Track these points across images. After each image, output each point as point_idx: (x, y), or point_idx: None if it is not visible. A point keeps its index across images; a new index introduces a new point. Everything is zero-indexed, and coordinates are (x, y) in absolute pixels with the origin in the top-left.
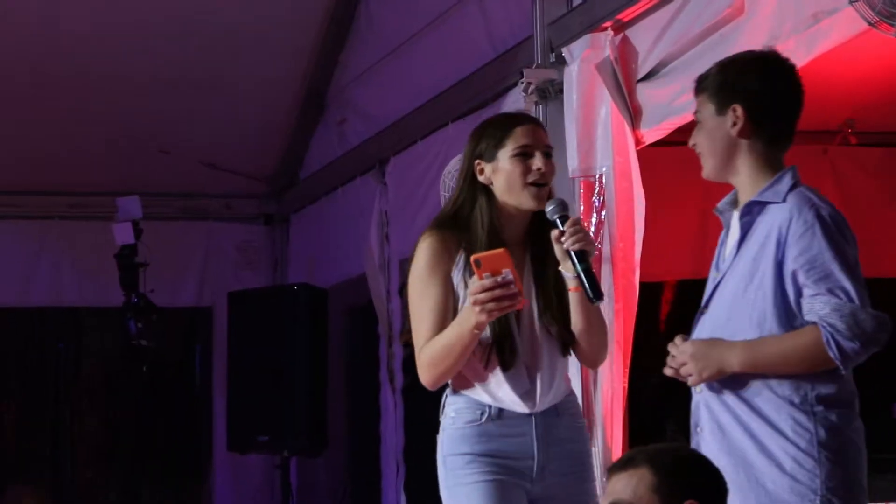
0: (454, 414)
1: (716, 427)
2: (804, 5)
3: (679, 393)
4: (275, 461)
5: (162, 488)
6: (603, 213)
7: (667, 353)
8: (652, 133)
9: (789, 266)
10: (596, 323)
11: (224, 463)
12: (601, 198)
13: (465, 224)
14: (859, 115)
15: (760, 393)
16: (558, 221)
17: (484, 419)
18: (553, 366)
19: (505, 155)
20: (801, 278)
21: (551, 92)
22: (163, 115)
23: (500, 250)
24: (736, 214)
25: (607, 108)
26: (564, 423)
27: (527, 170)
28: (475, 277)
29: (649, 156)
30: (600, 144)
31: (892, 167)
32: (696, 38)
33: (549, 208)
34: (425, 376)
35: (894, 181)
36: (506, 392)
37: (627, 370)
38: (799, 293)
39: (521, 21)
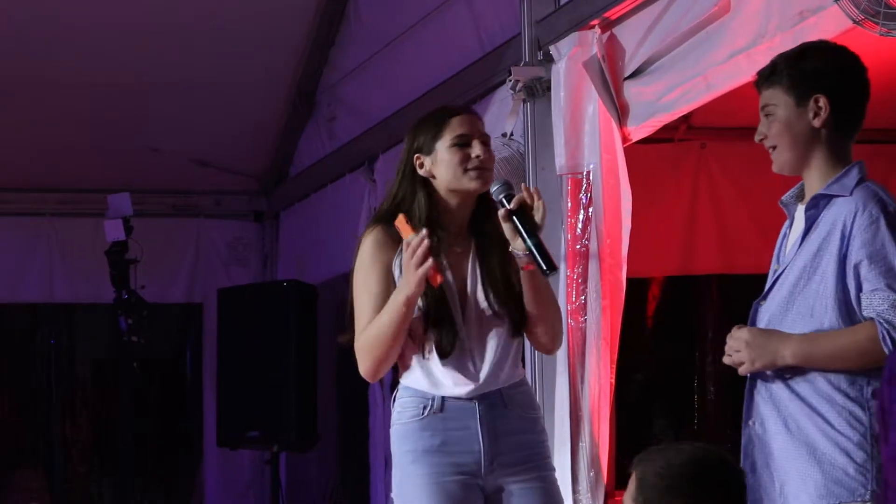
0: (399, 409)
1: (771, 421)
2: (790, 3)
3: (666, 389)
4: (264, 456)
5: (153, 483)
6: (590, 209)
7: (654, 350)
8: (639, 130)
9: (852, 259)
10: (549, 302)
11: (214, 458)
12: (588, 195)
13: None
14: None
15: (815, 385)
16: (504, 201)
17: (427, 413)
18: (500, 351)
19: (443, 145)
20: (864, 272)
21: (539, 90)
22: (153, 113)
23: (399, 216)
24: (801, 207)
25: (594, 106)
26: (514, 414)
27: (465, 157)
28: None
29: (636, 153)
30: (587, 142)
31: (876, 164)
32: (682, 36)
33: (493, 188)
34: (363, 365)
35: (877, 176)
36: (446, 375)
37: (615, 366)
38: (860, 287)
39: (509, 19)
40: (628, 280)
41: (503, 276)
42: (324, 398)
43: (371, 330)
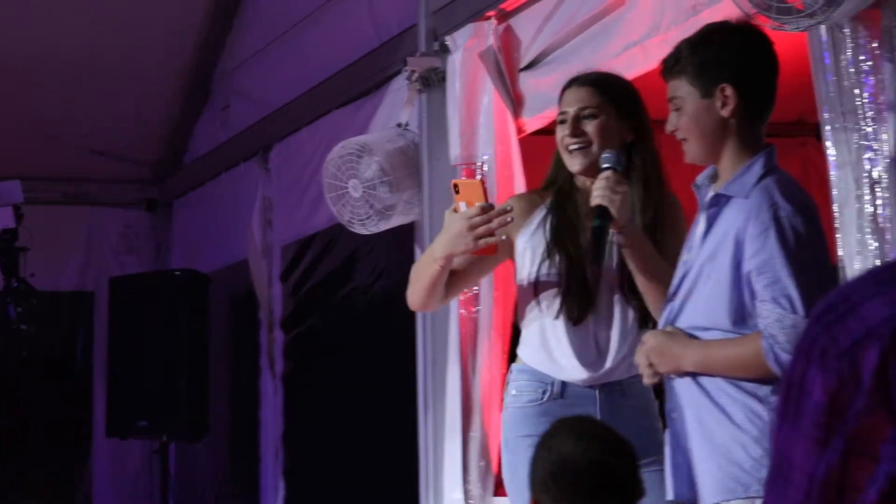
0: (515, 392)
1: (682, 413)
2: None
3: None
4: (154, 447)
5: (41, 472)
6: None
7: None
8: (534, 122)
9: (745, 267)
10: (642, 284)
11: (103, 448)
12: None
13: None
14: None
15: (717, 380)
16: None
17: (546, 398)
18: (629, 341)
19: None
20: (754, 282)
21: (434, 80)
22: (44, 100)
23: (477, 180)
24: (709, 197)
25: (490, 97)
26: (631, 405)
27: (562, 136)
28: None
29: (531, 144)
30: (482, 132)
31: None
32: (578, 28)
33: (602, 156)
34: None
35: None
36: (567, 354)
37: (507, 357)
38: (753, 295)
39: (406, 9)
40: None
41: None
42: (215, 389)
43: (416, 267)
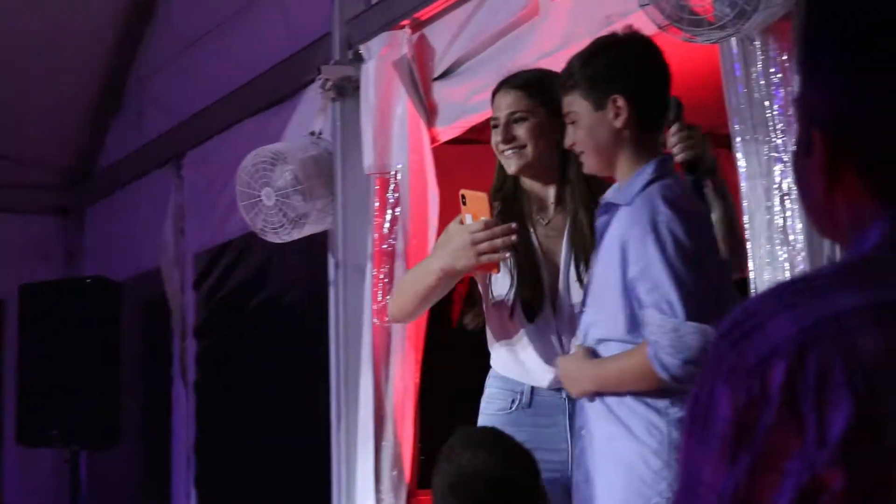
0: (488, 399)
1: (590, 429)
2: (597, 8)
3: (470, 389)
4: (64, 455)
5: None
6: (397, 209)
7: (459, 349)
8: (447, 131)
9: (629, 274)
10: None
11: (13, 457)
12: (396, 195)
13: None
14: None
15: (621, 393)
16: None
17: (514, 407)
18: None
19: None
20: (637, 288)
21: (348, 89)
22: None
23: (483, 194)
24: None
25: (403, 106)
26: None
27: (496, 139)
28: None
29: (444, 153)
30: (396, 142)
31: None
32: (491, 37)
33: None
34: (390, 303)
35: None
36: (532, 359)
37: (419, 366)
38: (640, 303)
39: (320, 17)
40: None
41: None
42: (127, 397)
43: (406, 275)
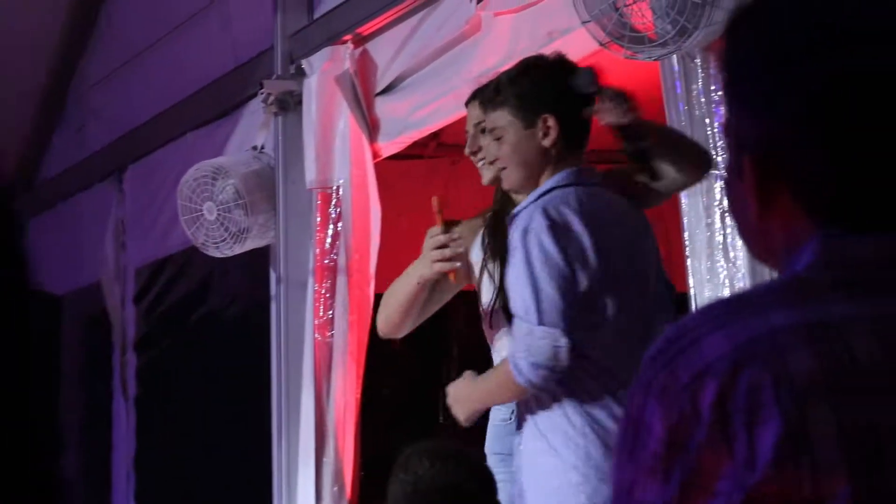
0: (494, 409)
1: (521, 444)
2: (539, 24)
3: (412, 405)
4: None
5: None
6: (339, 224)
7: (401, 365)
8: (389, 146)
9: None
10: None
11: None
12: (338, 209)
13: None
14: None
15: (549, 410)
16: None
17: (513, 416)
18: None
19: None
20: (510, 298)
21: (290, 103)
22: None
23: (436, 199)
24: None
25: (346, 121)
26: None
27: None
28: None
29: (387, 169)
30: (338, 157)
31: None
32: (434, 53)
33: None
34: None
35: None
36: None
37: (361, 382)
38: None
39: (263, 32)
40: (376, 295)
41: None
42: (67, 411)
43: (390, 289)
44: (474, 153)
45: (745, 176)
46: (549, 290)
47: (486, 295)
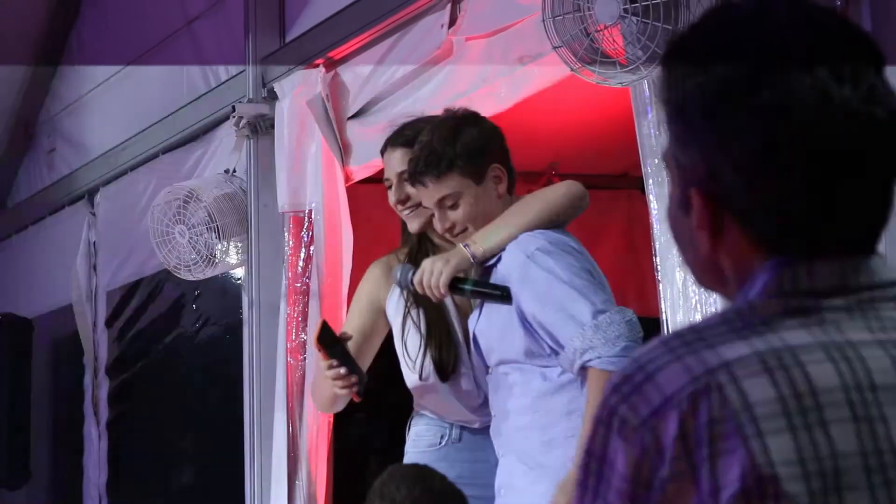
0: (415, 436)
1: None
2: (511, 49)
3: (385, 428)
4: None
5: None
6: (312, 248)
7: (374, 389)
8: (361, 170)
9: (522, 305)
10: None
11: None
12: (310, 233)
13: None
14: (563, 158)
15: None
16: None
17: (444, 442)
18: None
19: None
20: (538, 315)
21: (262, 127)
22: None
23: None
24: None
25: (318, 145)
26: None
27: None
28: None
29: (359, 192)
30: (310, 180)
31: (593, 209)
32: (405, 77)
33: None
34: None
35: (595, 222)
36: (456, 410)
37: None
38: (543, 326)
39: (235, 55)
40: None
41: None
42: (38, 435)
43: (316, 381)
44: (402, 202)
45: (693, 209)
46: (586, 282)
47: (414, 346)
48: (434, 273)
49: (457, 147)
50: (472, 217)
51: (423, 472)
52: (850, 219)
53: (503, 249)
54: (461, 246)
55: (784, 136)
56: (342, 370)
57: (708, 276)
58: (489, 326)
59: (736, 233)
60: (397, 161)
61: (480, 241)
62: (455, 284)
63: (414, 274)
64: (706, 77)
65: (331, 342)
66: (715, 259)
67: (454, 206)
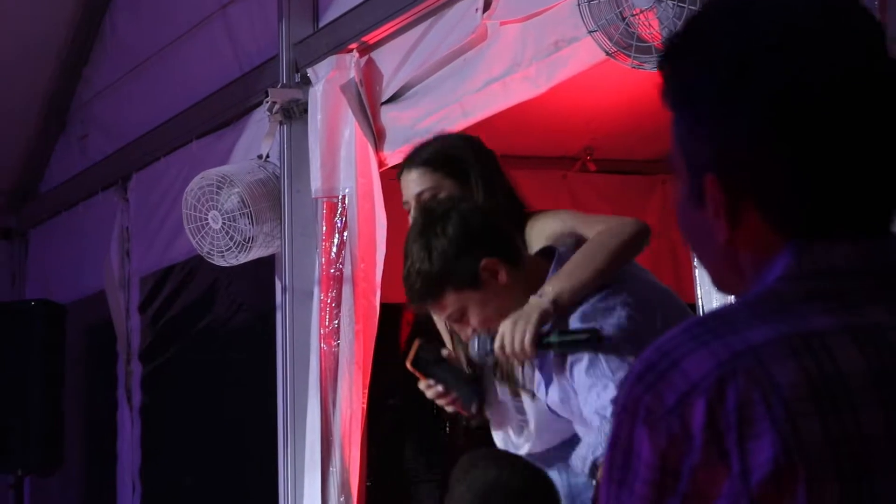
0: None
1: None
2: (545, 33)
3: (417, 415)
4: (9, 480)
5: None
6: (345, 233)
7: (406, 375)
8: (395, 155)
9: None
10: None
11: None
12: (343, 219)
13: None
14: (598, 143)
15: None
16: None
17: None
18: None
19: None
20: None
21: (296, 112)
22: None
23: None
24: None
25: (351, 130)
26: None
27: None
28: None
29: (392, 177)
30: (343, 166)
31: (628, 194)
32: (439, 62)
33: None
34: None
35: (631, 207)
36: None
37: (366, 391)
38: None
39: (268, 40)
40: (382, 305)
41: None
42: (71, 421)
43: None
44: None
45: (707, 199)
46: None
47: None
48: (517, 335)
49: (434, 265)
50: (487, 321)
51: (507, 454)
52: (866, 197)
53: (587, 289)
54: (534, 297)
55: (799, 113)
56: (439, 388)
57: (724, 267)
58: (564, 393)
59: (752, 216)
60: (414, 183)
61: (555, 288)
62: (540, 341)
63: (492, 343)
64: (714, 61)
65: (430, 363)
66: (733, 248)
67: (464, 319)
